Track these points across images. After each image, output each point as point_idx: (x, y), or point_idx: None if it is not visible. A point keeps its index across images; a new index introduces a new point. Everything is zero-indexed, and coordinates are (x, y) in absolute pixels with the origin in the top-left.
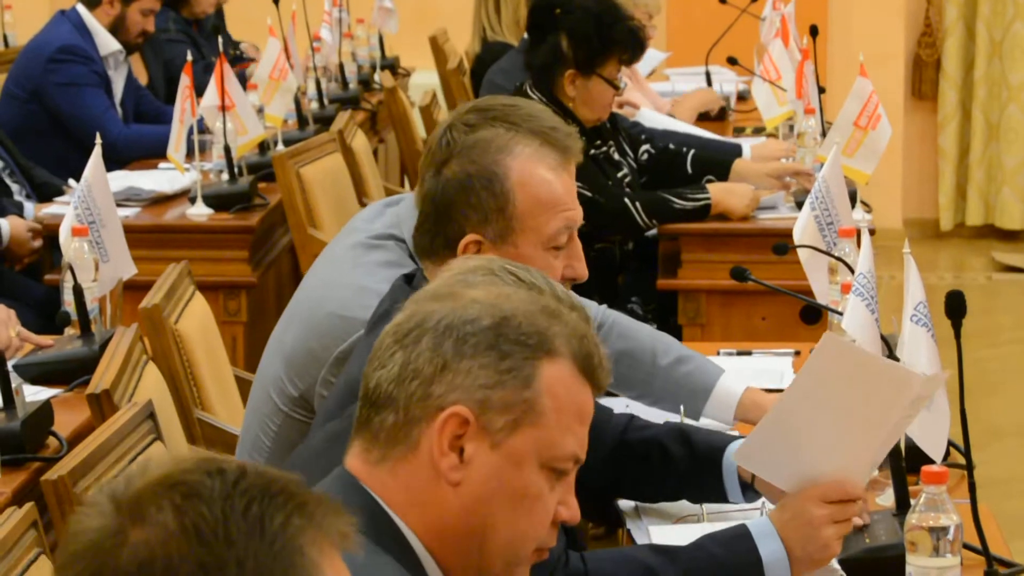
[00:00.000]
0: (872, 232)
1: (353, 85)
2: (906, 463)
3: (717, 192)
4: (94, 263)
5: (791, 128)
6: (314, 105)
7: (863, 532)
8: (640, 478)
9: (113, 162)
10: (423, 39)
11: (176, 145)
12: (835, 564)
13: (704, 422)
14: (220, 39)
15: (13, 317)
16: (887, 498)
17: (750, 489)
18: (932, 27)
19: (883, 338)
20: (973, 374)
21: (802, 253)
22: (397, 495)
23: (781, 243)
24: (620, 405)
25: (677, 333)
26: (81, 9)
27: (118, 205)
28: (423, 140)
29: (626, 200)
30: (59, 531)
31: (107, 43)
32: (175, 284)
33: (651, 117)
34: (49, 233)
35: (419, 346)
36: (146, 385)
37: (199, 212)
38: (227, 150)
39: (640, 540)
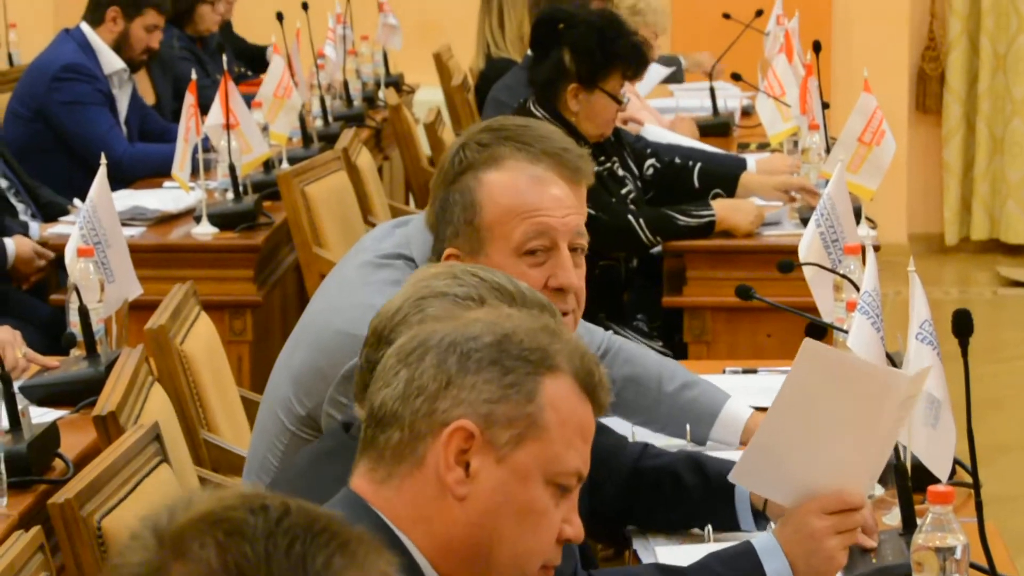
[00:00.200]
0: (877, 248)
1: (357, 102)
2: (912, 482)
3: (722, 209)
4: (100, 284)
5: (795, 144)
6: (319, 123)
7: (870, 553)
8: (653, 506)
9: (118, 181)
10: (427, 56)
11: (181, 164)
12: None
13: (711, 446)
14: (224, 57)
15: (19, 338)
16: (893, 518)
17: (762, 516)
18: (936, 41)
19: (888, 356)
20: (978, 389)
21: (807, 271)
22: (403, 512)
23: (786, 260)
24: (626, 430)
25: (682, 350)
26: (85, 28)
27: (123, 224)
28: (428, 157)
29: (630, 217)
30: (66, 554)
31: (111, 61)
32: (180, 304)
33: (656, 133)
34: (55, 253)
35: (423, 363)
36: (152, 406)
37: (204, 231)
38: (232, 169)
39: (646, 560)
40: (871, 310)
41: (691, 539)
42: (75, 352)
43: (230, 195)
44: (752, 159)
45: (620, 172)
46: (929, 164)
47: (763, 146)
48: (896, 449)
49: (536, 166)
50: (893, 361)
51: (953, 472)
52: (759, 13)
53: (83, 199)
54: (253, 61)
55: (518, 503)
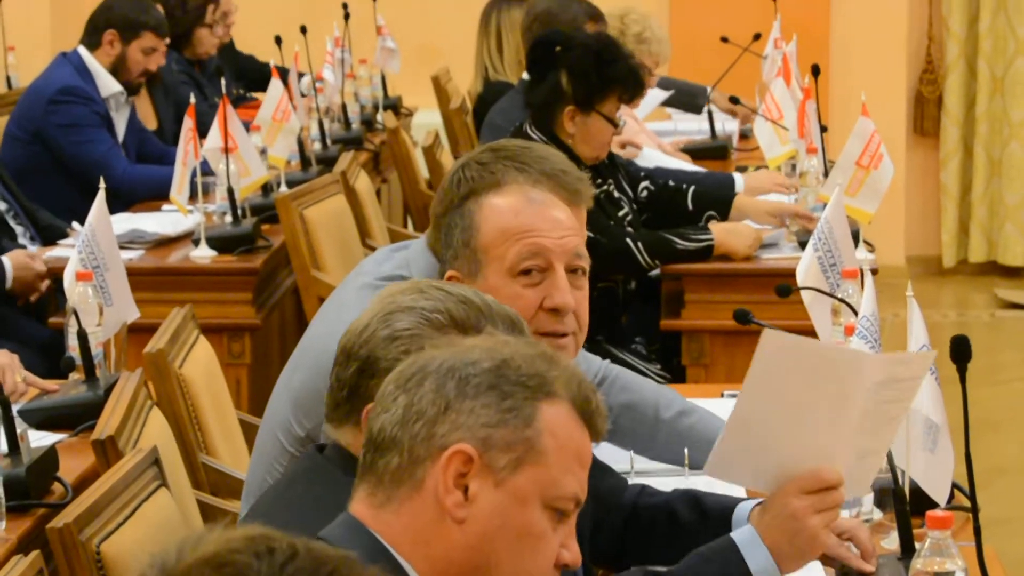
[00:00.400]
0: (875, 271)
1: (356, 125)
2: (911, 506)
3: (720, 233)
4: (99, 307)
5: (793, 167)
6: (317, 146)
7: None
8: (650, 543)
9: (118, 201)
10: (425, 79)
11: (179, 187)
12: None
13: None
14: (223, 80)
15: (16, 362)
16: (892, 542)
17: None
18: (933, 64)
19: None
20: (976, 412)
21: (805, 295)
22: (402, 535)
23: (784, 285)
24: (624, 458)
25: (681, 373)
26: (82, 51)
27: (121, 247)
28: (426, 180)
29: (628, 240)
30: None
31: (108, 85)
32: (179, 328)
33: (654, 157)
34: (54, 276)
35: (422, 388)
36: (151, 430)
37: (202, 254)
38: (230, 192)
39: None
40: (869, 334)
41: None
42: (74, 376)
43: (228, 218)
44: (739, 178)
45: (616, 195)
46: (927, 187)
47: (761, 169)
48: (894, 474)
49: (535, 188)
50: None
51: (951, 496)
52: (757, 37)
53: (82, 221)
54: (262, 79)
55: (516, 526)
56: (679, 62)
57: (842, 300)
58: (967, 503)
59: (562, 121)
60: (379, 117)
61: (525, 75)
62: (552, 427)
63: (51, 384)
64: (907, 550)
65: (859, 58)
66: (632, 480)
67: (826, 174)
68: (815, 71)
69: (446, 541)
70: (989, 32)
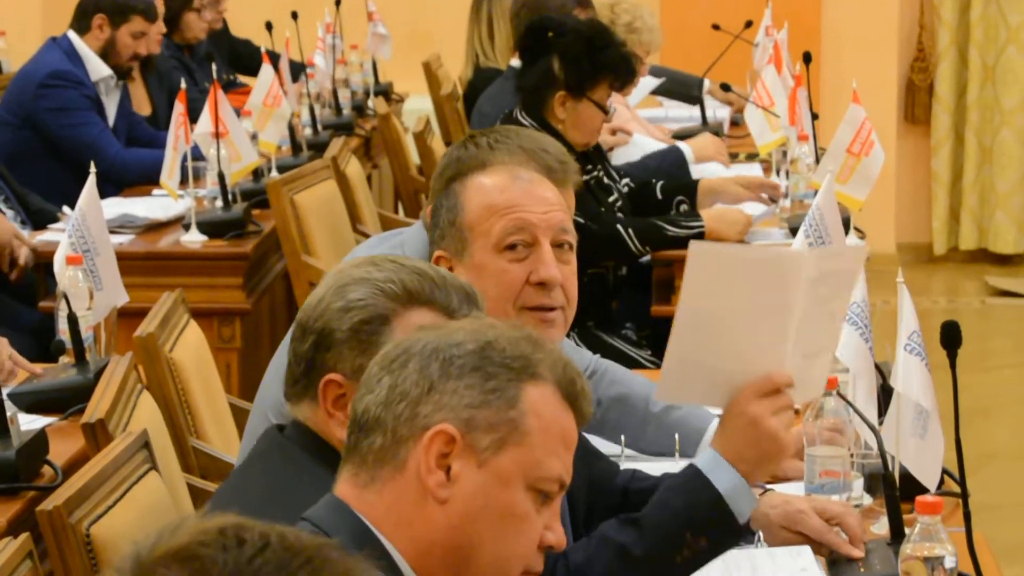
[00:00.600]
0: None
1: (347, 111)
2: (900, 492)
3: (710, 219)
4: (89, 291)
5: (784, 154)
6: (308, 131)
7: (857, 563)
8: None
9: (109, 184)
10: (416, 65)
11: (170, 172)
12: None
13: None
14: (213, 65)
15: (4, 343)
16: (881, 527)
17: (747, 530)
18: (925, 52)
19: (877, 366)
20: (966, 398)
21: None
22: (385, 515)
23: None
24: (615, 452)
25: None
26: (72, 35)
27: (112, 232)
28: (416, 166)
29: (619, 226)
30: (54, 561)
31: (98, 69)
32: (169, 312)
33: (644, 144)
34: (44, 260)
35: (406, 370)
36: (141, 414)
37: (193, 239)
38: (221, 177)
39: None
40: (860, 321)
41: None
42: (64, 359)
43: (219, 203)
44: (686, 147)
45: (606, 181)
46: (918, 174)
47: (752, 156)
48: (884, 459)
49: (519, 167)
50: (882, 372)
51: (941, 482)
52: (748, 24)
53: (73, 205)
54: (258, 64)
55: (499, 507)
56: (670, 50)
57: None
58: (957, 489)
59: (553, 106)
60: (370, 103)
61: (514, 62)
62: (536, 408)
63: (36, 368)
64: (897, 535)
65: (850, 46)
66: (623, 466)
67: (817, 161)
68: (806, 58)
69: (429, 522)
70: (980, 20)
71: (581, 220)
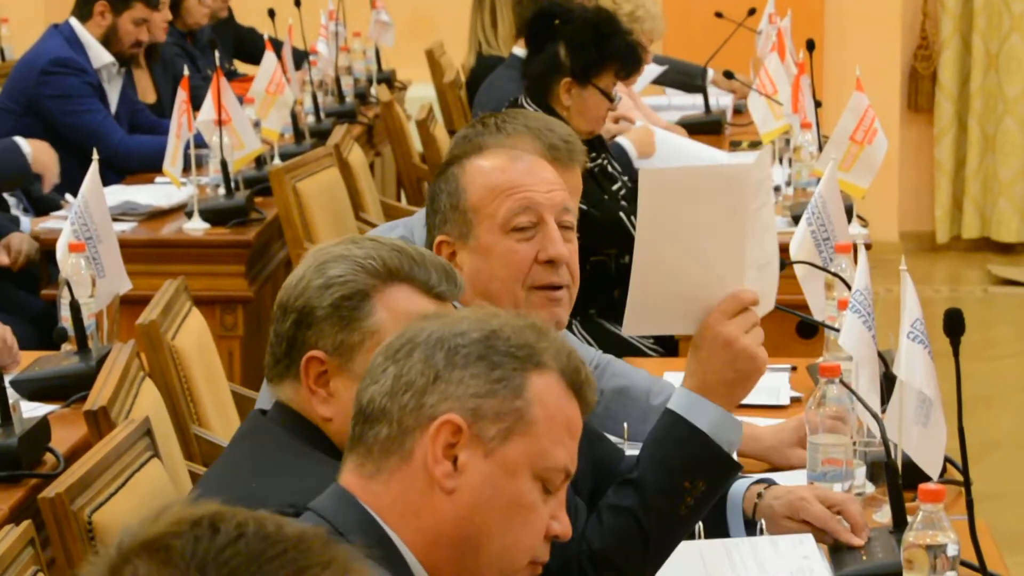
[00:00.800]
0: (868, 246)
1: (350, 99)
2: (903, 480)
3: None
4: (91, 279)
5: (787, 142)
6: (310, 119)
7: (860, 551)
8: None
9: (113, 171)
10: (419, 52)
11: (173, 159)
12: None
13: None
14: (216, 53)
15: (7, 331)
16: (884, 516)
17: (751, 524)
18: (928, 40)
19: (880, 354)
20: (968, 387)
21: (799, 269)
22: (391, 506)
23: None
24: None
25: (673, 347)
26: (74, 22)
27: (114, 219)
28: (419, 154)
29: (621, 214)
30: (56, 548)
31: (100, 56)
32: (172, 300)
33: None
34: (46, 248)
35: (411, 359)
36: (143, 401)
37: (196, 227)
38: (224, 164)
39: None
40: (862, 308)
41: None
42: (66, 347)
43: (222, 191)
44: (627, 144)
45: (610, 169)
46: (921, 163)
47: (755, 144)
48: (887, 447)
49: (518, 147)
50: (885, 360)
51: (944, 470)
52: (752, 12)
53: (75, 192)
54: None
55: (506, 497)
56: (674, 37)
57: (835, 274)
58: (959, 477)
59: (558, 93)
60: (373, 90)
61: (515, 50)
62: (542, 397)
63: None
64: (899, 523)
65: (854, 33)
66: (627, 452)
67: (820, 149)
68: (810, 46)
69: (435, 512)
70: (984, 8)
71: (584, 207)
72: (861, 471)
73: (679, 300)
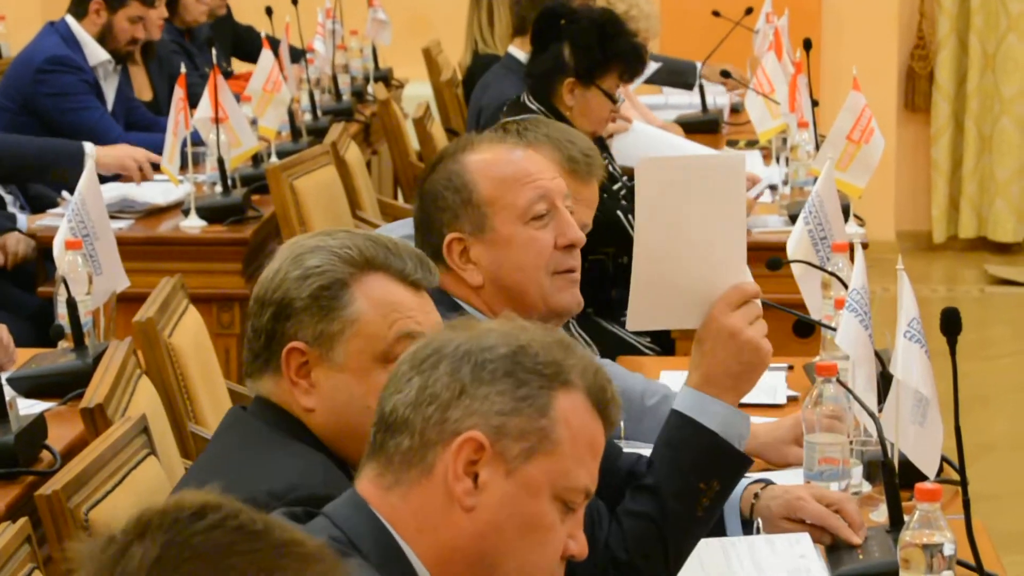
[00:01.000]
0: (865, 245)
1: (346, 97)
2: (900, 479)
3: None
4: (88, 276)
5: (784, 141)
6: (307, 117)
7: (857, 550)
8: None
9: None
10: (416, 51)
11: (170, 157)
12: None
13: None
14: (214, 51)
15: (3, 329)
16: (880, 515)
17: (748, 524)
18: (925, 39)
19: (877, 354)
20: (965, 387)
21: (796, 268)
22: (408, 519)
23: (775, 258)
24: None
25: (670, 347)
26: (70, 20)
27: (111, 217)
28: (416, 152)
29: (619, 213)
30: (52, 546)
31: (96, 53)
32: (168, 297)
33: (644, 130)
34: (43, 245)
35: (437, 371)
36: (139, 399)
37: (192, 224)
38: (220, 162)
39: None
40: (859, 307)
41: None
42: (63, 344)
43: (219, 188)
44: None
45: (611, 169)
46: (917, 162)
47: (752, 143)
48: (884, 446)
49: (504, 142)
50: (881, 359)
51: (940, 469)
52: (749, 11)
53: (72, 190)
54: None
55: (525, 517)
56: (670, 36)
57: (832, 273)
58: (956, 476)
59: (561, 93)
60: (370, 89)
61: (511, 49)
62: (567, 417)
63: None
64: (896, 523)
65: (851, 33)
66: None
67: (817, 148)
68: (807, 45)
69: (453, 528)
70: (981, 8)
71: None
72: (858, 470)
73: (681, 293)
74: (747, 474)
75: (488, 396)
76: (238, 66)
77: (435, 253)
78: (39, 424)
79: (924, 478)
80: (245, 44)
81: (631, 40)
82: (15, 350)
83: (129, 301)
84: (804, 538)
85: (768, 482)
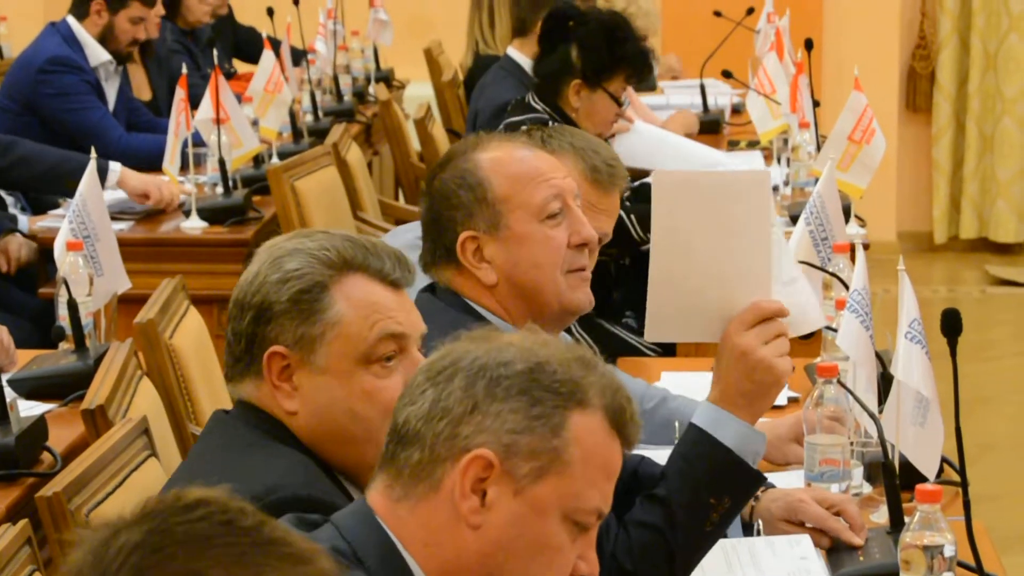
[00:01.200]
0: (866, 246)
1: (348, 98)
2: (900, 480)
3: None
4: (89, 277)
5: (785, 142)
6: (309, 118)
7: (857, 551)
8: None
9: None
10: (418, 51)
11: (171, 158)
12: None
13: None
14: (215, 51)
15: (3, 331)
16: (881, 516)
17: (748, 526)
18: (927, 40)
19: (877, 354)
20: (966, 388)
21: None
22: (415, 533)
23: None
24: None
25: (671, 348)
26: (71, 21)
27: (112, 218)
28: (417, 153)
29: (621, 213)
30: (53, 548)
31: (97, 54)
32: (169, 299)
33: (646, 131)
34: (44, 246)
35: (451, 385)
36: (140, 400)
37: (193, 225)
38: (222, 163)
39: None
40: (860, 308)
41: None
42: (64, 345)
43: (220, 189)
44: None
45: None
46: (919, 163)
47: (753, 144)
48: (884, 448)
49: (512, 140)
50: (882, 360)
51: (941, 470)
52: (750, 11)
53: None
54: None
55: (533, 537)
56: (672, 36)
57: (833, 274)
58: (956, 478)
59: (567, 95)
60: (371, 89)
61: (510, 50)
62: (581, 438)
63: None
64: (896, 524)
65: (852, 33)
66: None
67: (818, 149)
68: (808, 45)
69: (459, 545)
70: (982, 8)
71: None
72: (858, 471)
73: (699, 308)
74: None
75: (500, 413)
76: (240, 67)
77: (447, 252)
78: (40, 426)
79: (925, 479)
80: (246, 45)
81: (639, 44)
82: (16, 351)
83: (130, 302)
84: (805, 540)
85: (768, 484)
